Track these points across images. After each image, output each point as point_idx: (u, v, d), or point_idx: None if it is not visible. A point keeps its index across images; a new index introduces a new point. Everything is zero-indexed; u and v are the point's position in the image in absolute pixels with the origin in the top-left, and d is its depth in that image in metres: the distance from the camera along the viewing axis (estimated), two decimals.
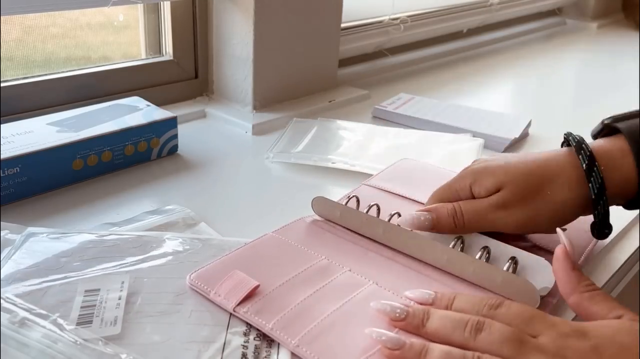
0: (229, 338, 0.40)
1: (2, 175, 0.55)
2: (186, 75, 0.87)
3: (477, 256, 0.46)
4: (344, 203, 0.53)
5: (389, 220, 0.50)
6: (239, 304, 0.42)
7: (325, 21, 0.90)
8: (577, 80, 1.25)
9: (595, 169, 0.46)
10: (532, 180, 0.47)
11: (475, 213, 0.47)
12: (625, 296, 0.58)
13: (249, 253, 0.48)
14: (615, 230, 0.57)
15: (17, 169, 0.56)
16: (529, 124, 0.85)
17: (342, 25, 0.95)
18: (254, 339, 0.40)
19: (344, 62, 1.05)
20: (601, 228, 0.48)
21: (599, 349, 0.35)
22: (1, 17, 0.66)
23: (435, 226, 0.48)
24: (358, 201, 0.53)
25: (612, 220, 0.52)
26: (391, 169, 0.64)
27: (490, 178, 0.48)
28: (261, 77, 0.83)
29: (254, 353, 0.39)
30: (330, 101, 0.91)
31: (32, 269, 0.44)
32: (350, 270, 0.46)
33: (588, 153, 0.46)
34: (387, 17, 1.11)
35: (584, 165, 0.46)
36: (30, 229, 0.49)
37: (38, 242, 0.47)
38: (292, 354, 0.39)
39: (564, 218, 0.47)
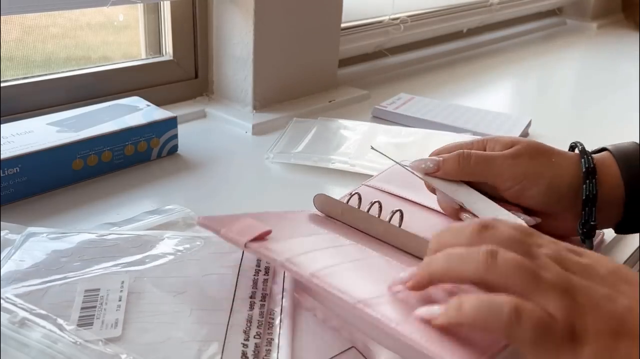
0: (229, 336, 0.39)
1: (2, 175, 0.55)
2: (186, 75, 0.87)
3: None
4: (345, 200, 0.53)
5: (390, 218, 0.50)
6: (251, 242, 0.41)
7: (325, 21, 0.90)
8: (577, 80, 1.25)
9: (590, 157, 0.50)
10: (544, 147, 0.52)
11: (484, 158, 0.50)
12: None
13: (257, 217, 0.48)
14: None
15: (17, 169, 0.56)
16: (529, 124, 0.85)
17: (342, 25, 0.95)
18: (254, 337, 0.40)
19: (344, 62, 1.05)
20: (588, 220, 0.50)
21: (595, 266, 0.35)
22: (1, 17, 0.66)
23: (440, 167, 0.51)
24: (360, 198, 0.53)
25: None
26: (390, 171, 0.64)
27: (508, 138, 0.53)
28: (261, 77, 0.83)
29: (254, 351, 0.39)
30: (330, 101, 0.91)
31: (32, 269, 0.44)
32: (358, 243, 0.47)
33: (590, 156, 0.51)
34: (387, 17, 1.11)
35: (585, 156, 0.51)
36: (30, 229, 0.49)
37: (38, 242, 0.47)
38: (293, 349, 0.39)
39: (559, 191, 0.50)
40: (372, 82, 1.05)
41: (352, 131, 0.78)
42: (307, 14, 0.86)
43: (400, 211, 0.52)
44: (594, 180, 0.49)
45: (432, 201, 0.57)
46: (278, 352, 0.39)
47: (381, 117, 0.88)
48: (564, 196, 0.49)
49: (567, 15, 1.70)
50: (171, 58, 0.85)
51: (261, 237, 0.42)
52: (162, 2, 0.82)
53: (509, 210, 0.50)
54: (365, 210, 0.52)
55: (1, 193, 0.56)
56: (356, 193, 0.54)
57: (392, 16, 1.12)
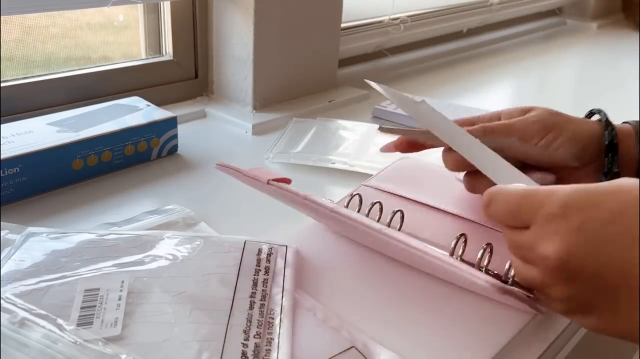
0: (229, 336, 0.39)
1: (2, 175, 0.55)
2: (186, 75, 0.87)
3: (480, 254, 0.46)
4: (346, 202, 0.53)
5: (391, 219, 0.50)
6: (273, 180, 0.43)
7: (325, 21, 0.90)
8: (577, 81, 1.25)
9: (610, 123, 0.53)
10: (561, 114, 0.54)
11: (506, 126, 0.52)
12: None
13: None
14: None
15: (17, 169, 0.56)
16: None
17: (342, 25, 0.95)
18: (254, 337, 0.40)
19: (344, 62, 1.05)
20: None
21: (585, 226, 0.33)
22: (1, 17, 0.66)
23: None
24: (361, 199, 0.53)
25: None
26: (390, 169, 0.64)
27: (521, 107, 0.55)
28: (261, 77, 0.83)
29: (254, 351, 0.39)
30: (330, 101, 0.91)
31: (32, 269, 0.43)
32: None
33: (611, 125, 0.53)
34: (387, 17, 1.12)
35: (604, 120, 0.53)
36: (30, 229, 0.49)
37: (38, 242, 0.47)
38: (292, 349, 0.39)
39: (582, 140, 0.51)
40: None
41: (350, 131, 0.78)
42: (307, 14, 0.86)
43: (401, 211, 0.51)
44: (613, 130, 0.51)
45: (432, 199, 0.57)
46: (278, 352, 0.39)
47: (381, 117, 0.88)
48: (587, 146, 0.51)
49: (567, 15, 1.70)
50: (171, 58, 0.85)
51: (283, 181, 0.43)
52: (162, 2, 0.82)
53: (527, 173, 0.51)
54: (366, 212, 0.52)
55: (1, 193, 0.56)
56: (357, 194, 0.54)
57: (392, 16, 1.12)
